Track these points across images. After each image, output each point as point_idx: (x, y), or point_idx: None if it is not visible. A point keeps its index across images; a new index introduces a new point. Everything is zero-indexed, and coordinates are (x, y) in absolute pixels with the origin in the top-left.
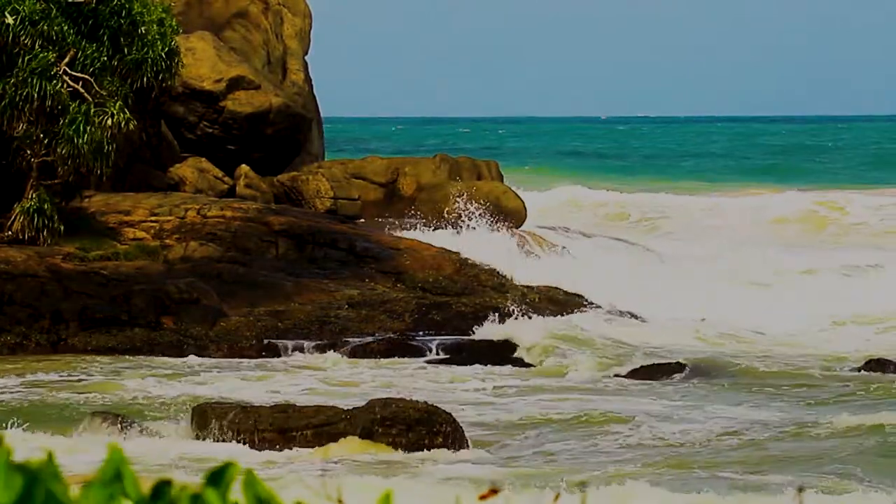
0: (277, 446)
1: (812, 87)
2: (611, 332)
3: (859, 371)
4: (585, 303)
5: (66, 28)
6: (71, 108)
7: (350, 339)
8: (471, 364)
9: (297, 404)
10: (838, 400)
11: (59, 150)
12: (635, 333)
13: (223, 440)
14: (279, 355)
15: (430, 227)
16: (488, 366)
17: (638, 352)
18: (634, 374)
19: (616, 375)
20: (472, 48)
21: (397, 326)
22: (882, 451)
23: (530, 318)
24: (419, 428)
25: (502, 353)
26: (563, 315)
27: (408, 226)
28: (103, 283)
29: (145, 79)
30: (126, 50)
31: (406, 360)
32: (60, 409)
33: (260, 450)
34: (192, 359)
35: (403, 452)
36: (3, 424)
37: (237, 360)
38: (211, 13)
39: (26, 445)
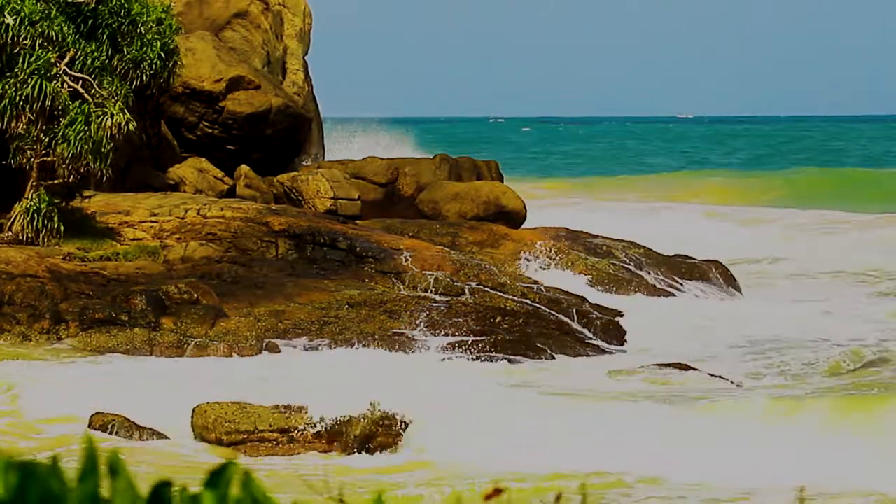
0: (277, 446)
1: None
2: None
3: None
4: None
5: (65, 28)
6: (71, 108)
7: (350, 339)
8: (472, 364)
9: (297, 404)
10: None
11: (59, 150)
12: None
13: (222, 440)
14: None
15: None
16: (490, 364)
17: None
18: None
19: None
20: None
21: (397, 326)
22: None
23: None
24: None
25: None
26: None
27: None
28: (103, 283)
29: (144, 77)
30: (125, 49)
31: (407, 360)
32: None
33: (259, 449)
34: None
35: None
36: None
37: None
38: (211, 13)
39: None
